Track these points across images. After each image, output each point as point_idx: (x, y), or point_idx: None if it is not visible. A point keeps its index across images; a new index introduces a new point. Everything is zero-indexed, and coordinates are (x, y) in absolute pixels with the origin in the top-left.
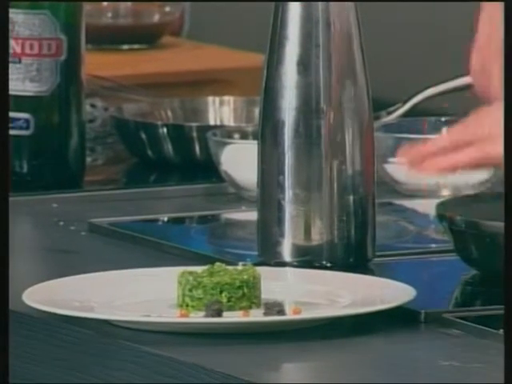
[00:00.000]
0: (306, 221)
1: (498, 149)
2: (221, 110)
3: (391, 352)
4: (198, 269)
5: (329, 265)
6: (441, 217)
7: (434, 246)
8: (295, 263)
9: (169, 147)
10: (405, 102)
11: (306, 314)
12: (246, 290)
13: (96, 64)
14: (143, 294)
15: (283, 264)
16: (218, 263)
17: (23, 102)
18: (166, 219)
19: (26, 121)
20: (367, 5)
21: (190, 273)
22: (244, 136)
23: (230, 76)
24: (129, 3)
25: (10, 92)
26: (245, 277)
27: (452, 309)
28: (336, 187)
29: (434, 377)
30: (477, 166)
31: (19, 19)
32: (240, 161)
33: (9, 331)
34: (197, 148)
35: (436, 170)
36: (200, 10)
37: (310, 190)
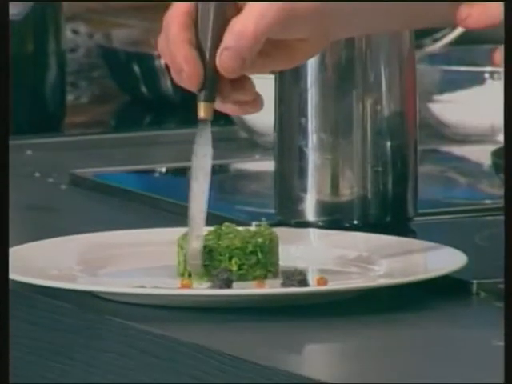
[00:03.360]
0: (333, 172)
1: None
2: None
3: (435, 330)
4: (203, 230)
5: (361, 225)
6: (497, 167)
7: (488, 202)
8: (320, 223)
9: (167, 82)
10: (454, 27)
11: (332, 285)
12: (260, 256)
13: None
14: (136, 261)
15: (306, 224)
16: (226, 223)
17: None
18: (163, 170)
19: None
20: None
21: None
22: None
23: None
24: None
25: None
26: (259, 240)
27: None
28: (369, 131)
29: (485, 359)
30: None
31: None
32: None
33: (9, 332)
34: None
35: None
36: None
37: (338, 134)
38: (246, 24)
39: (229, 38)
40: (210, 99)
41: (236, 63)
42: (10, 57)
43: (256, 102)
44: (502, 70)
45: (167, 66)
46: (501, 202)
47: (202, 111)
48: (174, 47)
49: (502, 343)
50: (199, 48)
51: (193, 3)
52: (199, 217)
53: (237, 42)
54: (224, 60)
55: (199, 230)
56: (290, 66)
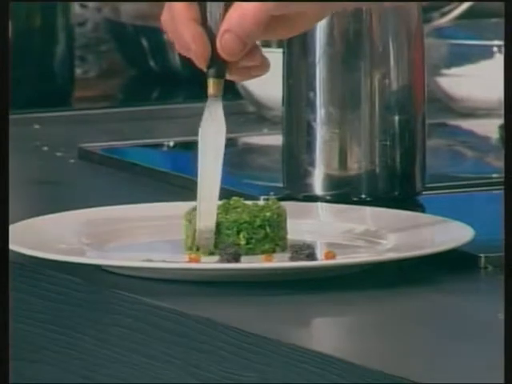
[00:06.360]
0: (341, 146)
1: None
2: None
3: (443, 304)
4: (216, 209)
5: (369, 199)
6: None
7: (496, 175)
8: (328, 197)
9: (175, 56)
10: (462, 1)
11: (340, 259)
12: (268, 230)
13: None
14: (144, 235)
15: (314, 198)
16: (234, 198)
17: None
18: (171, 144)
19: None
20: None
21: None
22: (266, 43)
23: None
24: None
25: None
26: (267, 214)
27: None
28: (378, 105)
29: (494, 334)
30: None
31: None
32: None
33: (9, 327)
34: None
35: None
36: None
37: (346, 108)
38: (247, 7)
39: (230, 21)
40: (220, 75)
41: (237, 46)
42: (10, 55)
43: (263, 66)
44: None
45: (172, 43)
46: None
47: (212, 88)
48: (180, 26)
49: None
50: (206, 25)
51: None
52: (211, 195)
53: (238, 25)
54: (225, 43)
55: (212, 208)
56: (289, 36)
